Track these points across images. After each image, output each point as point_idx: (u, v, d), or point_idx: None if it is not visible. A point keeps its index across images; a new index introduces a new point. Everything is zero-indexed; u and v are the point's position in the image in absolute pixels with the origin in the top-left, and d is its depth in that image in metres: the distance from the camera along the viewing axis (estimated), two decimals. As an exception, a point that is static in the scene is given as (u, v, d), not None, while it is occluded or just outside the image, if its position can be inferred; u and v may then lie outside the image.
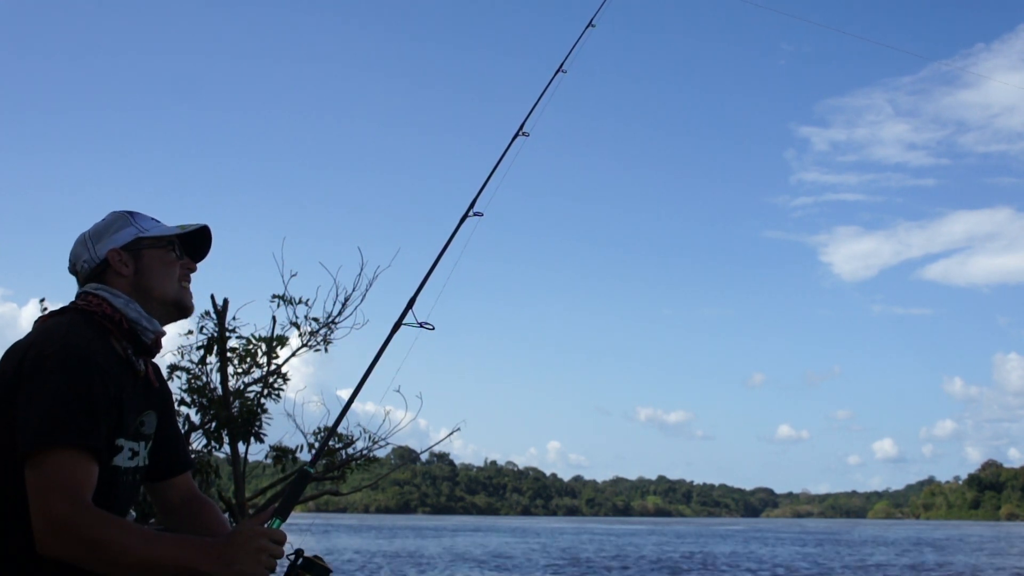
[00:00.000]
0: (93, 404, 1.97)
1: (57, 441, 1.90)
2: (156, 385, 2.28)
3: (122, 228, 2.22)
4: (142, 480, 2.26)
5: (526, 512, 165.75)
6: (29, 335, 2.09)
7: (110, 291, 2.16)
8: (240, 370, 11.11)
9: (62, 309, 2.17)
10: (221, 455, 11.09)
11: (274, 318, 11.58)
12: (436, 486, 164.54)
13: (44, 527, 1.86)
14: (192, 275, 2.32)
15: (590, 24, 2.76)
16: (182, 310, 2.27)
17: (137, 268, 2.20)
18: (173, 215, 2.32)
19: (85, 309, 2.13)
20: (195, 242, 2.34)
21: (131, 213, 2.27)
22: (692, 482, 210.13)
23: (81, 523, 1.86)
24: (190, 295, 2.29)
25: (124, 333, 2.13)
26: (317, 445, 7.66)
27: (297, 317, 7.80)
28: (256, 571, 1.92)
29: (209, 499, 2.45)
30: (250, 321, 12.19)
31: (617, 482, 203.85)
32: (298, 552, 2.15)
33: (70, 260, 2.24)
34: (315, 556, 2.15)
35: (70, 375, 1.96)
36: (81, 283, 2.22)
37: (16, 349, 2.04)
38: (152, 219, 2.28)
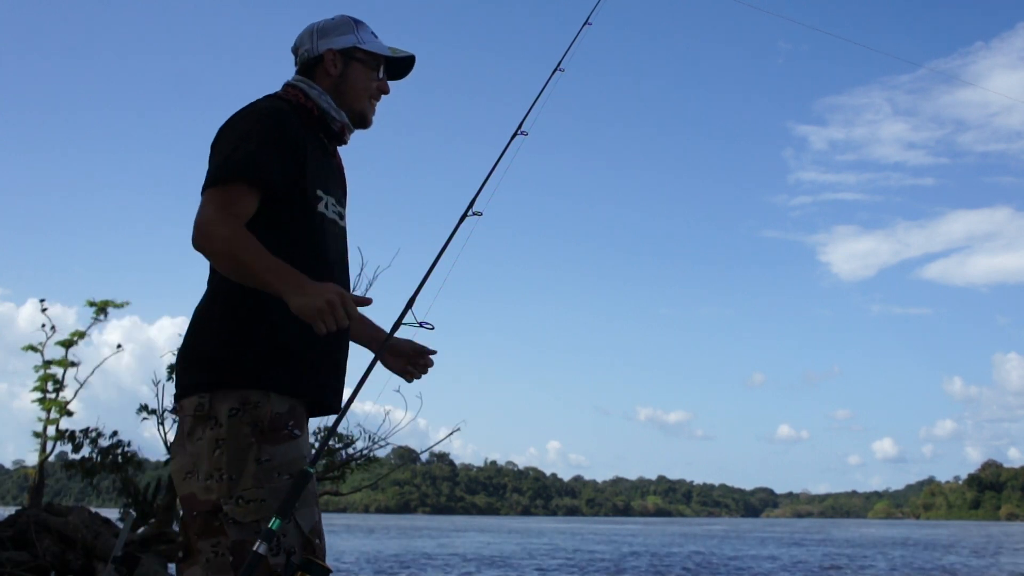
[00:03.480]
0: (265, 144, 2.22)
1: (223, 178, 2.19)
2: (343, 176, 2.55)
3: (345, 33, 2.47)
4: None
5: (526, 512, 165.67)
6: None
7: (308, 83, 2.44)
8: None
9: (261, 97, 2.43)
10: (221, 455, 11.14)
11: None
12: (436, 486, 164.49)
13: (194, 228, 2.16)
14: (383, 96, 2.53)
15: (587, 22, 2.76)
16: (363, 122, 2.50)
17: (342, 73, 2.46)
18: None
19: (282, 96, 2.41)
20: (399, 67, 2.55)
21: (356, 22, 2.51)
22: (692, 482, 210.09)
23: (210, 212, 2.15)
24: (374, 111, 2.52)
25: (314, 120, 2.40)
26: (317, 445, 7.65)
27: (297, 317, 7.83)
28: (312, 313, 2.05)
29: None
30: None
31: (617, 482, 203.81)
32: (292, 552, 2.16)
33: (295, 43, 2.52)
34: (314, 556, 2.15)
35: (252, 121, 2.27)
36: (297, 66, 2.50)
37: None
38: (371, 33, 2.51)
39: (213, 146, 2.30)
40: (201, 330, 2.28)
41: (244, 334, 2.23)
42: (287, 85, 2.47)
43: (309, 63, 2.47)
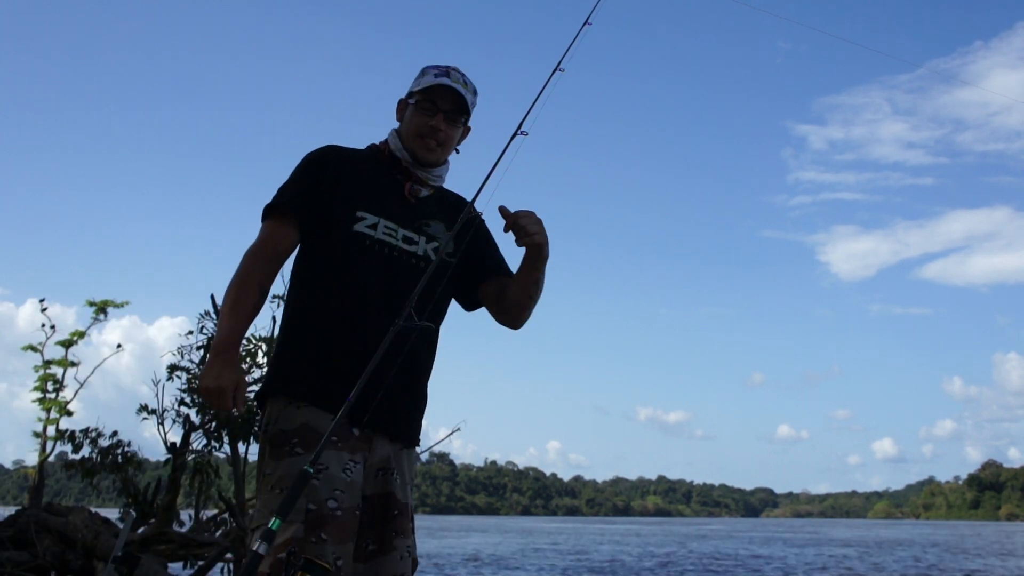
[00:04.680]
0: (295, 180, 2.56)
1: (263, 216, 2.55)
2: (428, 209, 2.66)
3: (412, 83, 2.68)
4: (427, 270, 2.51)
5: (526, 512, 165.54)
6: None
7: (393, 132, 2.70)
8: (240, 370, 11.13)
9: None
10: (221, 455, 11.12)
11: (274, 318, 11.49)
12: (436, 486, 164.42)
13: None
14: (445, 134, 2.62)
15: (587, 22, 2.75)
16: (417, 160, 2.64)
17: (402, 118, 2.70)
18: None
19: (373, 144, 2.72)
20: (452, 103, 2.62)
21: (427, 68, 2.67)
22: (692, 482, 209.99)
23: (241, 262, 2.47)
24: (426, 148, 2.62)
25: (386, 158, 2.65)
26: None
27: (297, 317, 7.81)
28: (202, 389, 2.31)
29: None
30: (250, 321, 12.04)
31: (617, 482, 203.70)
32: (292, 552, 2.15)
33: None
34: (315, 556, 2.15)
35: (296, 166, 2.61)
36: None
37: None
38: (435, 75, 2.62)
39: None
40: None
41: (278, 356, 2.52)
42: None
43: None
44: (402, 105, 2.71)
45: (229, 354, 2.35)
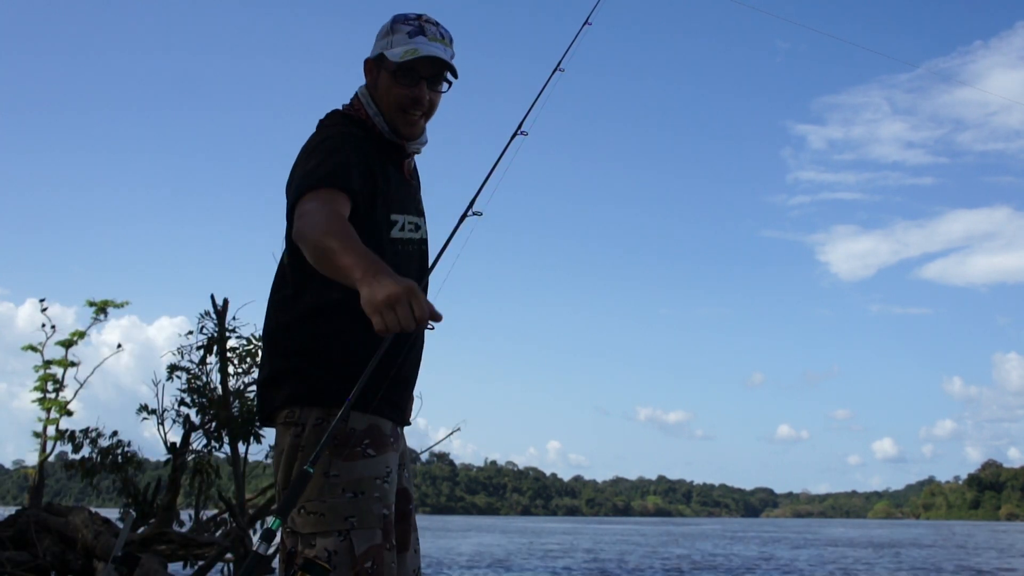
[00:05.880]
0: (346, 161, 2.21)
1: (311, 187, 2.14)
2: (416, 181, 2.51)
3: (381, 37, 2.38)
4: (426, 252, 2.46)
5: (526, 512, 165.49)
6: None
7: (366, 98, 2.40)
8: (240, 370, 11.16)
9: (330, 112, 2.43)
10: (221, 455, 11.13)
11: (274, 318, 11.42)
12: (436, 486, 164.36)
13: (297, 220, 2.12)
14: (424, 105, 2.35)
15: (587, 22, 2.76)
16: (398, 135, 2.38)
17: (375, 84, 2.38)
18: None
19: (346, 112, 2.41)
20: (433, 70, 2.33)
21: (396, 23, 2.35)
22: (692, 482, 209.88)
23: (308, 207, 2.10)
24: (410, 123, 2.36)
25: (376, 136, 2.37)
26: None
27: (297, 317, 7.81)
28: (371, 309, 1.84)
29: None
30: (250, 321, 12.09)
31: (617, 482, 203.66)
32: (291, 553, 2.15)
33: None
34: (315, 556, 2.15)
35: (326, 143, 2.25)
36: None
37: None
38: (407, 34, 2.32)
39: (293, 170, 2.28)
40: (288, 347, 2.29)
41: (330, 351, 2.24)
42: (355, 96, 2.43)
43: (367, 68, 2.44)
44: (370, 65, 2.40)
45: (385, 268, 1.92)
